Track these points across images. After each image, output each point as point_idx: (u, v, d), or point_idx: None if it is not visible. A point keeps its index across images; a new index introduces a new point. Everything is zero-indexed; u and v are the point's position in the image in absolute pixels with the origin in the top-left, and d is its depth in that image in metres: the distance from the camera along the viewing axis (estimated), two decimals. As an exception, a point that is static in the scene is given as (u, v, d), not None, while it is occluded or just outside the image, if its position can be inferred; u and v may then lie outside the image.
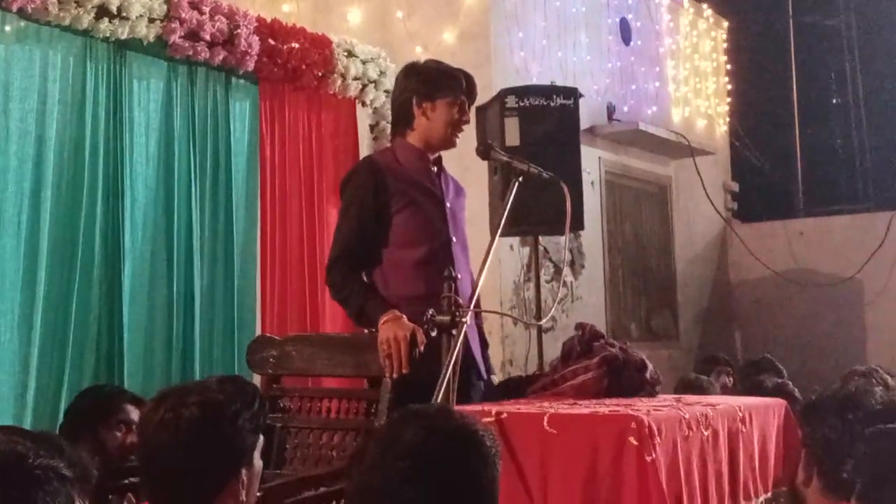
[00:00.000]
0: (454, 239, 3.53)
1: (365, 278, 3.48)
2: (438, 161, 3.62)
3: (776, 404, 3.36)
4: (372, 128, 5.75)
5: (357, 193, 3.48)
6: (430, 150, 3.57)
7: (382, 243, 3.45)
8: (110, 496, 2.78)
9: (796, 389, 4.73)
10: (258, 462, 2.20)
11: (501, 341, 6.28)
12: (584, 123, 6.19)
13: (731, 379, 6.23)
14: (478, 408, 2.85)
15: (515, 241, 6.42)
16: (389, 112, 5.61)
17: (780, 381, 5.07)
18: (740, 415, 3.03)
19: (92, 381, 4.10)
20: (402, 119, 3.58)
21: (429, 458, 1.79)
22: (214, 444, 2.09)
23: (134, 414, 3.54)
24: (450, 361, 2.75)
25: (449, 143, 3.57)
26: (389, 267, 3.44)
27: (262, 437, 2.21)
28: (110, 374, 4.23)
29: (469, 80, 3.59)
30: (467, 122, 3.58)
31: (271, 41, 4.97)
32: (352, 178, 3.57)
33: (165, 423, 2.08)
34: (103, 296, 4.28)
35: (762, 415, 3.18)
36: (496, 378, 3.95)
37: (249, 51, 4.80)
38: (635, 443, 2.52)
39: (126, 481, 2.82)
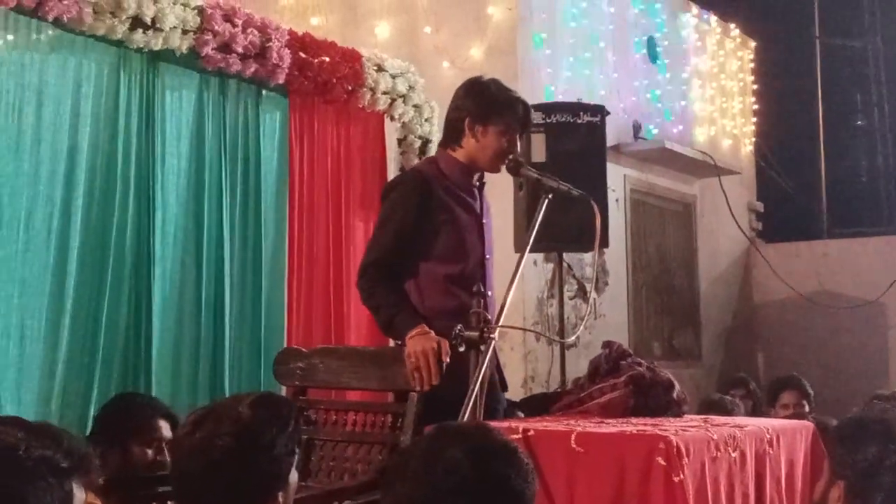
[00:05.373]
0: (488, 256, 3.52)
1: None
2: (481, 177, 3.58)
3: (803, 427, 3.34)
4: (400, 142, 5.76)
5: (399, 204, 3.44)
6: (473, 168, 3.53)
7: (421, 256, 3.41)
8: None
9: (810, 416, 4.71)
10: (294, 479, 2.13)
11: (524, 357, 6.28)
12: (609, 141, 6.20)
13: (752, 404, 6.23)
14: (504, 424, 2.85)
15: (539, 257, 6.42)
16: (417, 126, 5.70)
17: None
18: (768, 437, 3.01)
19: (119, 389, 4.11)
20: (451, 135, 3.53)
21: (476, 473, 1.80)
22: (250, 475, 2.02)
23: (166, 431, 3.48)
24: (477, 377, 2.75)
25: (493, 169, 3.52)
26: (425, 280, 3.41)
27: (297, 453, 2.15)
28: (137, 383, 4.25)
29: (526, 110, 3.51)
30: (514, 153, 3.47)
31: (302, 54, 4.99)
32: (397, 188, 3.54)
33: (199, 452, 2.02)
34: (132, 305, 4.30)
35: (789, 437, 3.16)
36: None
37: (281, 64, 4.82)
38: (663, 463, 2.51)
39: (160, 490, 2.82)
